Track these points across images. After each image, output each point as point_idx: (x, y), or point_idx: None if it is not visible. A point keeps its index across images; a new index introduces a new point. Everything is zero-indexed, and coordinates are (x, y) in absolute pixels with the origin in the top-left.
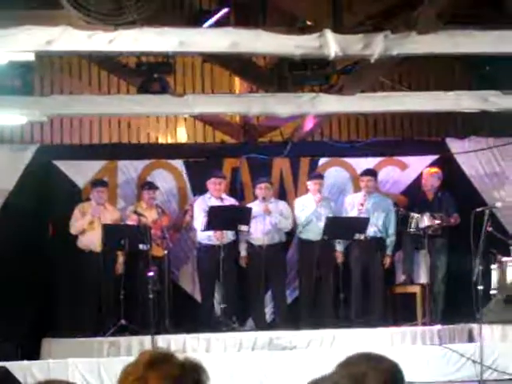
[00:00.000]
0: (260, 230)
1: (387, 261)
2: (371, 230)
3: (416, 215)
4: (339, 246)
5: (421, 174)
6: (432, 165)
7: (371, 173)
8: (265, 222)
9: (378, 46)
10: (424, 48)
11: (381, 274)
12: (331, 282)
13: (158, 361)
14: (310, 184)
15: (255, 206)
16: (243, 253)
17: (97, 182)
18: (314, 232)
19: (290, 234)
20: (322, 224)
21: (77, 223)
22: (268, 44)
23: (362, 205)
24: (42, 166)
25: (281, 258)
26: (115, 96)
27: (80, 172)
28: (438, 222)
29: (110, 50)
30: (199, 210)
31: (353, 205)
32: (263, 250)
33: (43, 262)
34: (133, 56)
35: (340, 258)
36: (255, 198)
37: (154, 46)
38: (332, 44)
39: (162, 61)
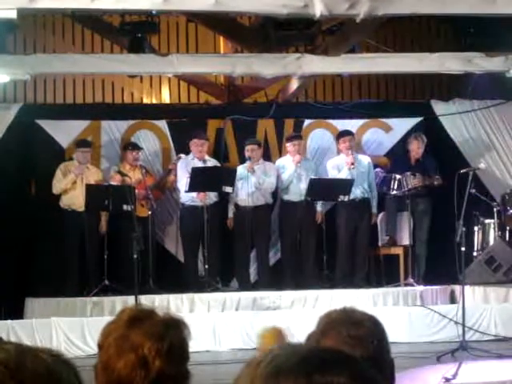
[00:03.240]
0: (245, 191)
1: (373, 219)
2: (358, 192)
3: (398, 176)
4: (320, 207)
5: (406, 140)
6: (417, 129)
7: (349, 133)
8: (249, 182)
9: (364, 6)
10: (409, 8)
11: (367, 235)
12: (313, 243)
13: (140, 318)
14: (289, 145)
15: (241, 168)
16: (230, 214)
17: (81, 143)
18: (295, 193)
19: (275, 195)
20: (302, 185)
21: (59, 183)
22: (253, 3)
23: (352, 164)
24: (25, 126)
25: (265, 219)
26: (99, 55)
27: (63, 132)
28: (418, 181)
29: (93, 8)
30: (182, 171)
31: (336, 168)
32: (248, 211)
33: (26, 221)
34: (117, 15)
35: (320, 219)
36: (240, 159)
37: (138, 4)
38: (318, 3)
39: (146, 20)
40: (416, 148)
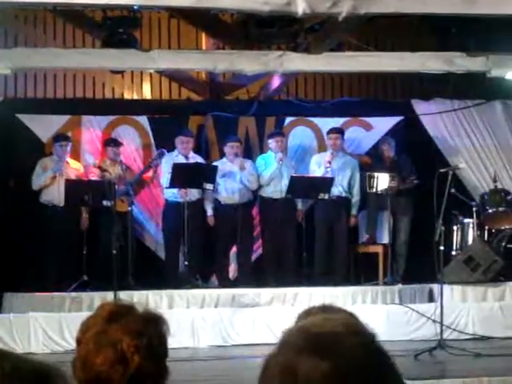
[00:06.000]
0: (231, 188)
1: (352, 221)
2: (336, 190)
3: (377, 175)
4: (300, 205)
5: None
6: (397, 128)
7: (339, 131)
8: (236, 180)
9: (346, 4)
10: (391, 7)
11: (345, 233)
12: (294, 241)
13: (119, 313)
14: (271, 142)
15: (223, 165)
16: (210, 212)
17: (59, 137)
18: (275, 190)
19: (255, 192)
20: (284, 182)
21: (38, 180)
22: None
23: (329, 163)
24: (6, 120)
25: (249, 216)
26: (80, 50)
27: (44, 126)
28: (394, 183)
29: (75, 2)
30: (166, 167)
31: (319, 164)
32: (234, 208)
33: (5, 215)
34: (98, 10)
35: (301, 217)
36: (221, 155)
37: None
38: (300, 1)
39: (128, 15)
40: (386, 150)
